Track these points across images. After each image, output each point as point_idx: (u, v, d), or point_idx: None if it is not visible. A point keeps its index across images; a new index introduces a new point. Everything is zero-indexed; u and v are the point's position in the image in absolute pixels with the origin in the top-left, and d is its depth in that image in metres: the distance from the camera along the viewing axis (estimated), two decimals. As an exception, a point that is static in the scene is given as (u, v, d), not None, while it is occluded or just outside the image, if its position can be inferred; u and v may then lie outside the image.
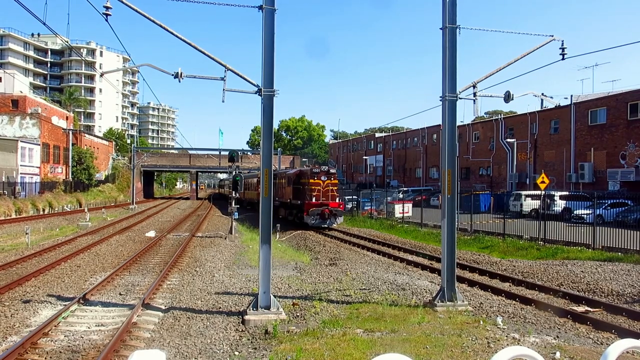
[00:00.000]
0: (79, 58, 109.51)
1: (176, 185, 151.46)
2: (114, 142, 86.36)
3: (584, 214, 25.71)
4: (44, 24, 12.76)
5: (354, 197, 44.46)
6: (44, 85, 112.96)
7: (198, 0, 10.44)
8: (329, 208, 30.24)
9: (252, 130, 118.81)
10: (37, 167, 53.12)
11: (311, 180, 30.69)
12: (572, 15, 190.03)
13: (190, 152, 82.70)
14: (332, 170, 32.14)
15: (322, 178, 30.68)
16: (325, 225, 30.99)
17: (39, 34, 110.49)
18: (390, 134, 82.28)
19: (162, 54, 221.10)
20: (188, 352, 8.21)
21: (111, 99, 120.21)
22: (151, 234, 26.50)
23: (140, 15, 9.95)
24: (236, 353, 8.19)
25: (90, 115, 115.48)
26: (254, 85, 10.47)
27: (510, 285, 14.93)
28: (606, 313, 11.85)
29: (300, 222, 31.76)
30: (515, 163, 47.67)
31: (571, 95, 43.96)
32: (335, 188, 31.62)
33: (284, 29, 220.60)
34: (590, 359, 7.82)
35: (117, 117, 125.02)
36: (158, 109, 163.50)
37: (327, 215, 30.17)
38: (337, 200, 31.76)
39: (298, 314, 10.65)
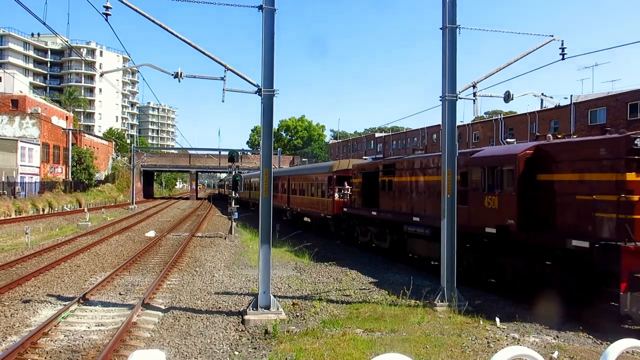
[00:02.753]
0: (78, 58, 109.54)
1: (176, 185, 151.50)
2: (113, 142, 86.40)
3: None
4: (44, 23, 12.75)
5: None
6: (44, 85, 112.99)
7: (198, 0, 10.45)
8: None
9: (252, 130, 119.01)
10: (37, 167, 53.12)
11: (630, 177, 9.97)
12: (572, 15, 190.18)
13: (190, 152, 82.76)
14: None
15: None
16: None
17: (39, 34, 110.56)
18: (390, 134, 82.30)
19: (162, 54, 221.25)
20: (188, 352, 8.21)
21: (111, 98, 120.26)
22: (151, 234, 26.50)
23: (140, 15, 9.97)
24: (236, 353, 8.19)
25: (90, 115, 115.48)
26: (254, 85, 10.48)
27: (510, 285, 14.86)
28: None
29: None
30: (515, 163, 47.58)
31: (571, 95, 44.01)
32: None
33: (284, 29, 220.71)
34: (590, 359, 7.82)
35: (117, 117, 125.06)
36: (158, 109, 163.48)
37: None
38: None
39: (298, 314, 10.65)
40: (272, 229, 10.85)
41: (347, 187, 24.43)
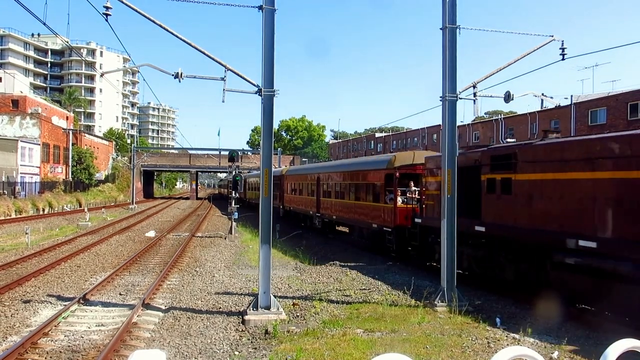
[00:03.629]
0: (79, 58, 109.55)
1: (176, 185, 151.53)
2: (114, 142, 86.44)
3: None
4: (44, 24, 12.75)
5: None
6: (44, 85, 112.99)
7: (198, 0, 10.44)
8: None
9: (252, 130, 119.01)
10: (37, 167, 53.13)
11: None
12: (572, 15, 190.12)
13: (190, 152, 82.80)
14: None
15: None
16: None
17: (39, 34, 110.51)
18: (390, 134, 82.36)
19: (162, 54, 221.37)
20: (188, 352, 8.21)
21: (111, 99, 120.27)
22: (151, 234, 26.50)
23: (140, 15, 9.97)
24: (236, 353, 8.19)
25: (90, 115, 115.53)
26: (254, 85, 10.48)
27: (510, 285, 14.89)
28: (607, 312, 11.82)
29: None
30: (515, 163, 47.58)
31: (571, 95, 44.00)
32: None
33: (284, 28, 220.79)
34: (590, 359, 7.82)
35: (117, 117, 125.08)
36: (158, 109, 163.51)
37: None
38: None
39: (298, 314, 10.65)
40: (272, 229, 10.85)
41: (413, 188, 18.48)
